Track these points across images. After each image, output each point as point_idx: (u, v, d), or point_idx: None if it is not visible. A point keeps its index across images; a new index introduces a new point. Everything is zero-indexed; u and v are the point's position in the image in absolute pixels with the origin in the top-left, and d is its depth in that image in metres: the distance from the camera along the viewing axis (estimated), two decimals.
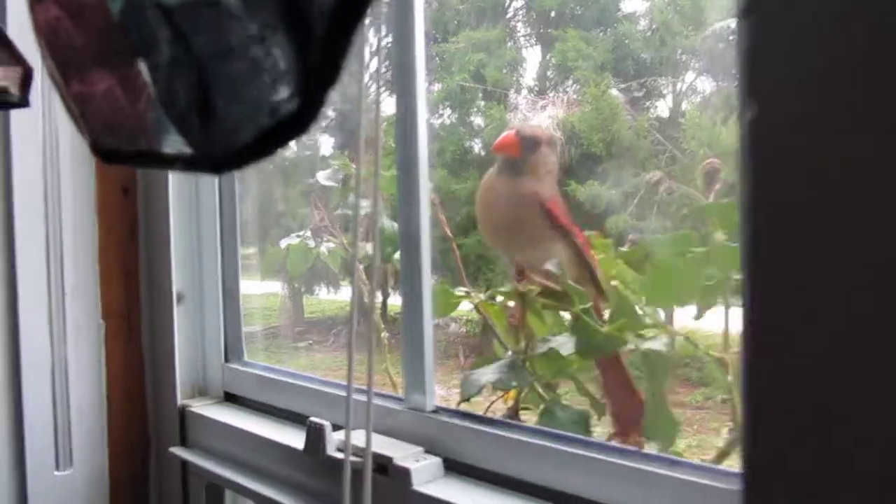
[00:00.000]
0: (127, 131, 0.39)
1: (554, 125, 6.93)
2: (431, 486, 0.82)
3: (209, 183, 1.18)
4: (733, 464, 0.91)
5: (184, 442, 1.16)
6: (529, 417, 0.95)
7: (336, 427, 0.91)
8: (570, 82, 7.39)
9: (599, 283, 0.97)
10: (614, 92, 7.05)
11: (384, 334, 1.81)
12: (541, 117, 7.06)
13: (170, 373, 1.17)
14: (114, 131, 0.40)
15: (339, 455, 0.88)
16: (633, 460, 0.73)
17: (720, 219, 0.87)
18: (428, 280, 0.91)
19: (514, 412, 0.92)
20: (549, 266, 0.93)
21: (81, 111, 0.44)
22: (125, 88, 0.38)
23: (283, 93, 0.31)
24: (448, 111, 7.04)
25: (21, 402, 1.05)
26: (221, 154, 0.35)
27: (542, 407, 0.89)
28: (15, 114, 1.01)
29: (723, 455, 0.93)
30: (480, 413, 0.91)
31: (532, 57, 7.74)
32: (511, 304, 1.03)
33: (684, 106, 7.39)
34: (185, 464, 1.14)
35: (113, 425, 1.16)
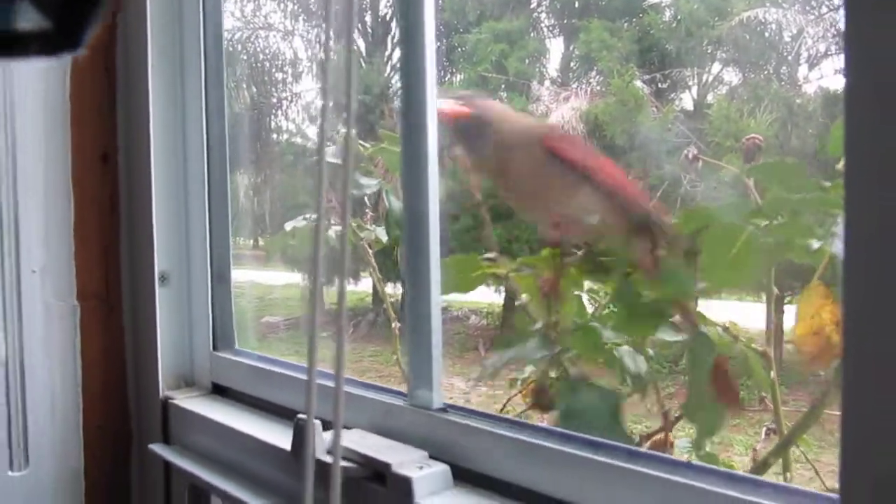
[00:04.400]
0: None
1: (577, 116, 6.80)
2: (436, 498, 0.70)
3: (197, 152, 1.07)
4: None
5: (167, 438, 1.04)
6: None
7: (328, 425, 0.79)
8: (594, 73, 7.25)
9: (657, 228, 0.82)
10: (638, 83, 6.90)
11: (395, 324, 1.71)
12: (564, 108, 6.93)
13: (152, 361, 1.05)
14: None
15: (329, 459, 0.76)
16: (677, 472, 0.60)
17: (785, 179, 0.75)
18: (436, 260, 0.78)
19: (544, 397, 0.78)
20: (587, 218, 0.79)
21: None
22: None
23: None
24: None
25: None
26: None
27: (563, 384, 0.76)
28: None
29: (764, 465, 0.80)
30: (496, 412, 0.79)
31: (555, 48, 7.62)
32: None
33: (710, 98, 7.21)
34: (167, 463, 1.02)
35: (89, 419, 1.04)
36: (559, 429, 0.75)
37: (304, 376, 0.96)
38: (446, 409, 0.77)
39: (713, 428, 0.76)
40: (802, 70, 6.62)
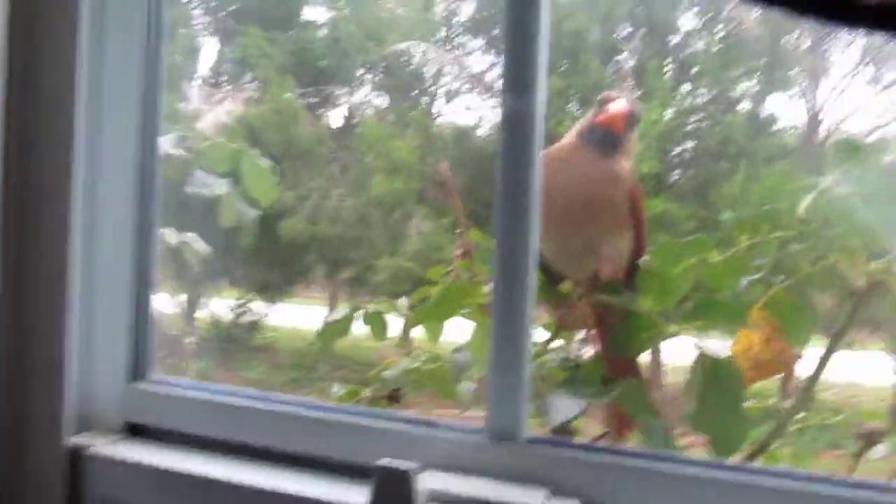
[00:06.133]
0: None
1: (232, 121, 6.62)
2: None
3: (120, 123, 0.84)
4: None
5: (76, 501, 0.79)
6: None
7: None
8: (250, 79, 7.12)
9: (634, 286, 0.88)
10: (293, 95, 6.98)
11: (190, 339, 1.59)
12: (218, 111, 6.69)
13: (51, 396, 0.79)
14: None
15: None
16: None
17: None
18: (533, 289, 0.72)
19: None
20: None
21: None
22: None
23: None
24: None
25: None
26: None
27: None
28: None
29: None
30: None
31: (208, 48, 7.31)
32: None
33: (358, 118, 7.58)
34: None
35: None
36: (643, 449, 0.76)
37: (249, 403, 0.82)
38: (533, 441, 0.72)
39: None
40: (440, 103, 7.26)
